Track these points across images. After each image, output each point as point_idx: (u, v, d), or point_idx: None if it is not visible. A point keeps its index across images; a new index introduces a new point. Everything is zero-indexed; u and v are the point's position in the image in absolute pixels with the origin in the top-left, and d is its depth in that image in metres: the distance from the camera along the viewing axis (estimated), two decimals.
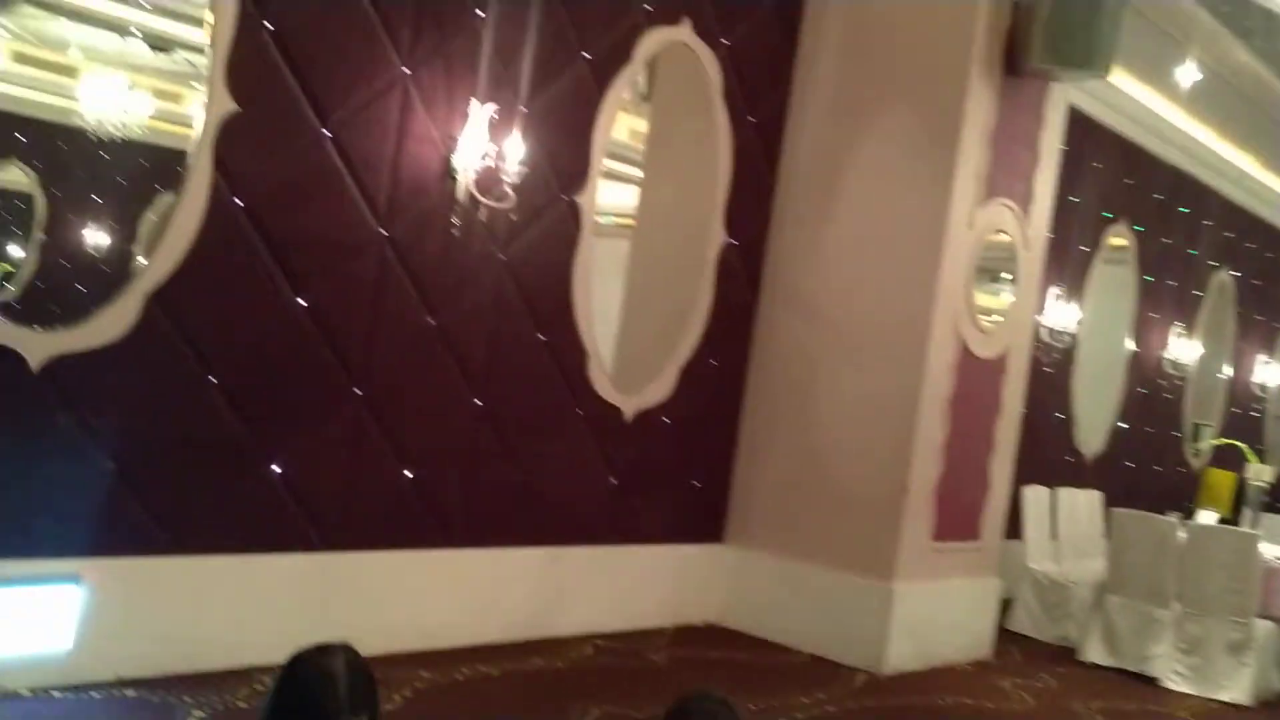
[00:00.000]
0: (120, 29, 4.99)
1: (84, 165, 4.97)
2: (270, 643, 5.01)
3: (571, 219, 6.10)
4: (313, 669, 2.46)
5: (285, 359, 5.06)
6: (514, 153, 5.57)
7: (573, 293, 6.16)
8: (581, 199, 6.11)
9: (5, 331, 4.23)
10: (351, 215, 5.21)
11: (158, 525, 4.71)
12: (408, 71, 5.30)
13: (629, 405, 6.61)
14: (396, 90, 5.29)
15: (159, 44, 4.90)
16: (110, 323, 4.50)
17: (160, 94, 4.98)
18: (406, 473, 5.56)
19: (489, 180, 5.55)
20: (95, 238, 4.97)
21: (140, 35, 4.91)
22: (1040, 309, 8.77)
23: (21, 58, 5.04)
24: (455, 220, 5.52)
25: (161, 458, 4.70)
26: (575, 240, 6.13)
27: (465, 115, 5.48)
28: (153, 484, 4.69)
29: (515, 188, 5.60)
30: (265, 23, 4.78)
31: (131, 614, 4.63)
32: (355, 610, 5.35)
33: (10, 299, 4.65)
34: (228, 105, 4.70)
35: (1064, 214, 8.66)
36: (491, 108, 5.54)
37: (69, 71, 4.92)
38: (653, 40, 6.41)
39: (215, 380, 4.82)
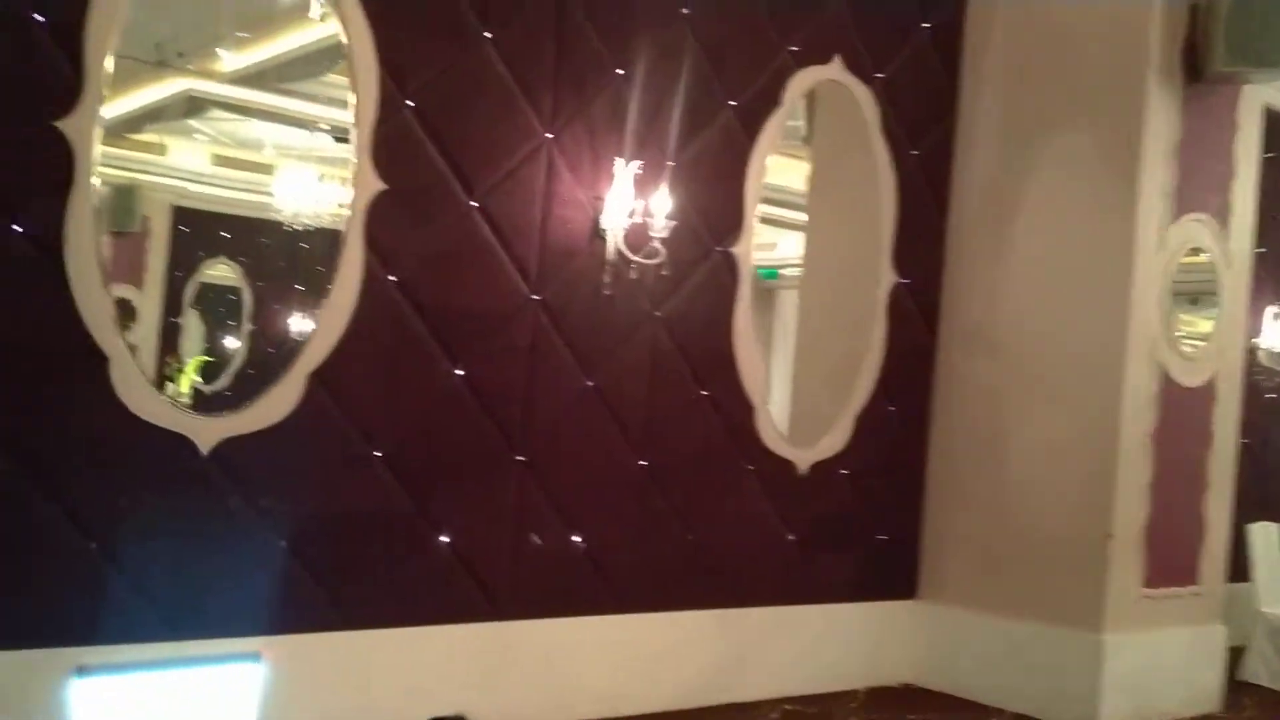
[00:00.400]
0: (302, 124, 5.35)
1: (282, 256, 5.28)
2: (448, 713, 5.19)
3: (727, 270, 6.09)
4: None
5: (446, 429, 5.20)
6: (662, 208, 5.61)
7: (734, 345, 6.13)
8: (737, 249, 6.10)
9: (176, 418, 4.49)
10: (503, 283, 5.34)
11: (331, 601, 4.89)
12: (550, 136, 5.43)
13: (803, 458, 6.51)
14: (541, 156, 5.42)
15: (341, 135, 5.14)
16: (275, 403, 4.73)
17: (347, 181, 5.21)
18: (574, 538, 5.62)
19: (639, 238, 5.61)
20: (298, 324, 5.23)
21: (318, 126, 5.21)
22: (1255, 330, 8.23)
23: (221, 160, 5.41)
24: (607, 280, 5.60)
25: (331, 534, 4.89)
26: (733, 292, 6.12)
27: (611, 174, 5.57)
28: (324, 560, 4.87)
29: (666, 243, 5.64)
30: (407, 100, 4.99)
31: (311, 690, 4.80)
32: (530, 678, 5.43)
33: (222, 388, 5.04)
34: (375, 184, 4.90)
35: (1276, 226, 8.15)
36: (637, 164, 5.61)
37: (265, 169, 5.26)
38: (802, 81, 6.38)
39: (378, 454, 4.99)
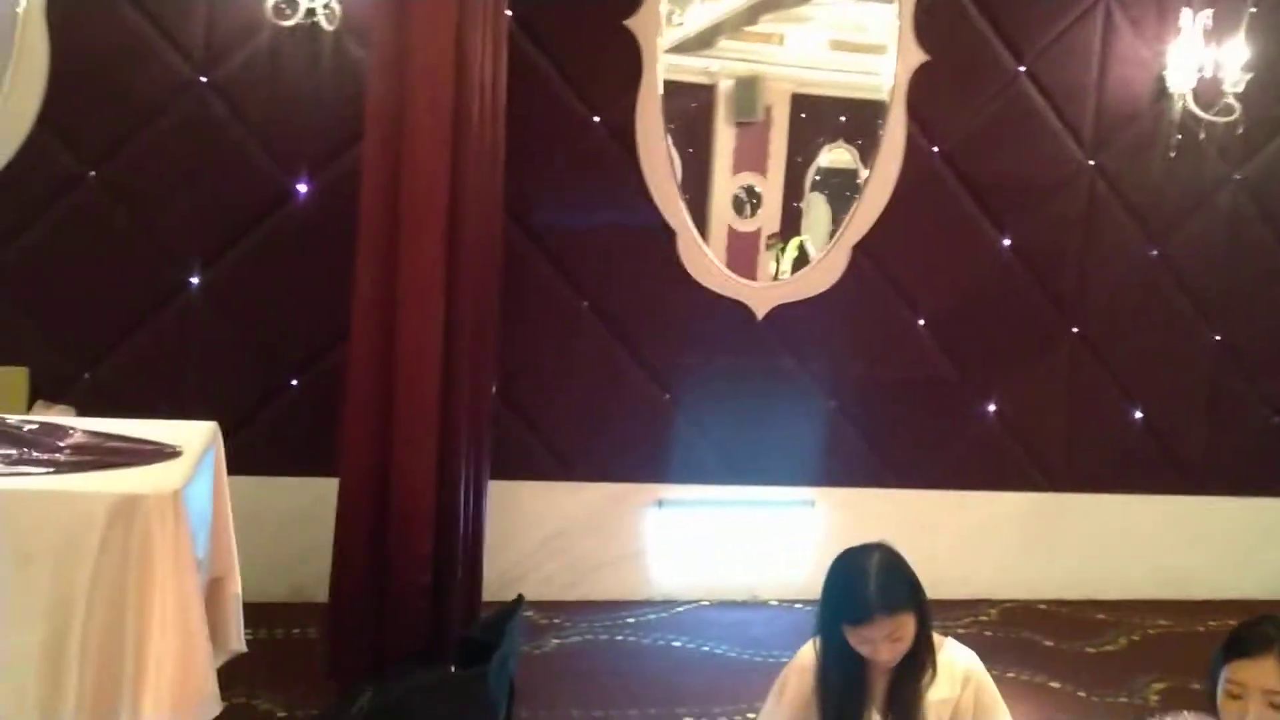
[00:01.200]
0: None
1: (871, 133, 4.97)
2: (995, 578, 4.77)
3: None
4: (847, 565, 2.38)
5: (993, 300, 4.70)
6: (1237, 60, 4.63)
7: None
8: None
9: (734, 287, 4.46)
10: (1054, 149, 4.69)
11: (879, 459, 4.65)
12: None
13: None
14: (1097, 13, 4.67)
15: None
16: (823, 273, 4.55)
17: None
18: (1136, 413, 4.89)
19: (1210, 94, 4.68)
20: None
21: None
22: None
23: (836, 45, 5.07)
24: (1174, 141, 4.74)
25: (877, 397, 4.63)
26: None
27: (1177, 27, 4.68)
28: (871, 421, 4.64)
29: (1242, 99, 4.65)
30: None
31: (860, 540, 4.61)
32: (1083, 552, 4.86)
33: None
34: (918, 56, 4.49)
35: None
36: (1208, 14, 4.65)
37: (876, 50, 4.71)
38: None
39: (923, 322, 4.64)
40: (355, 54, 3.91)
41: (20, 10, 3.74)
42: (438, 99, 3.45)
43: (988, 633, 4.36)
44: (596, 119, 4.25)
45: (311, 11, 3.86)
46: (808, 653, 2.47)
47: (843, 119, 4.99)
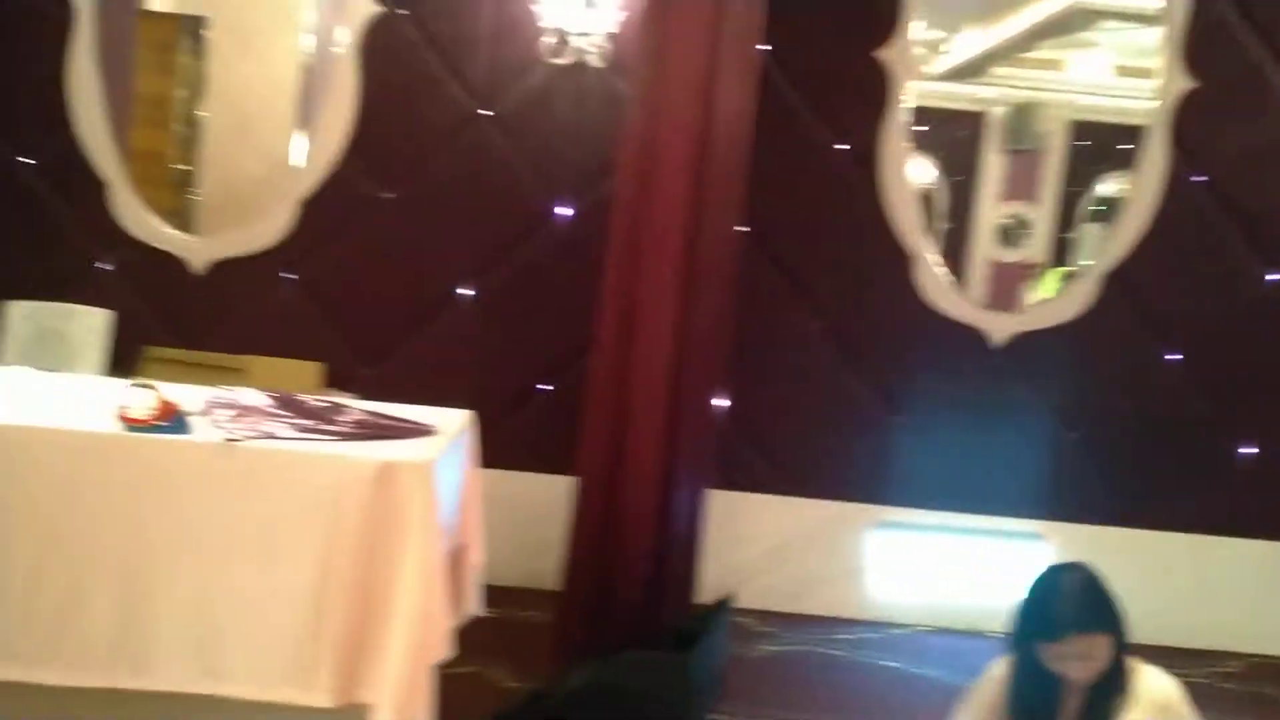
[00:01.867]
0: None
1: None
2: (1236, 629, 4.72)
3: None
4: (1046, 581, 2.52)
5: (1256, 335, 4.69)
6: None
7: None
8: None
9: (972, 313, 4.70)
10: None
11: (1114, 496, 4.74)
12: None
13: None
14: None
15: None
16: (1067, 303, 4.71)
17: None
18: None
19: None
20: None
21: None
22: None
23: (1123, 70, 5.20)
24: None
25: (1118, 431, 4.72)
26: None
27: None
28: (1109, 456, 4.73)
29: None
30: None
31: None
32: None
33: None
34: (1184, 82, 4.58)
35: None
36: None
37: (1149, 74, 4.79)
38: None
39: (1175, 356, 4.70)
40: (620, 89, 4.45)
41: (338, 50, 4.57)
42: (686, 130, 3.95)
43: (1228, 685, 4.36)
44: (841, 146, 4.63)
45: (582, 51, 4.47)
46: (1001, 665, 2.64)
47: (1125, 146, 5.08)
